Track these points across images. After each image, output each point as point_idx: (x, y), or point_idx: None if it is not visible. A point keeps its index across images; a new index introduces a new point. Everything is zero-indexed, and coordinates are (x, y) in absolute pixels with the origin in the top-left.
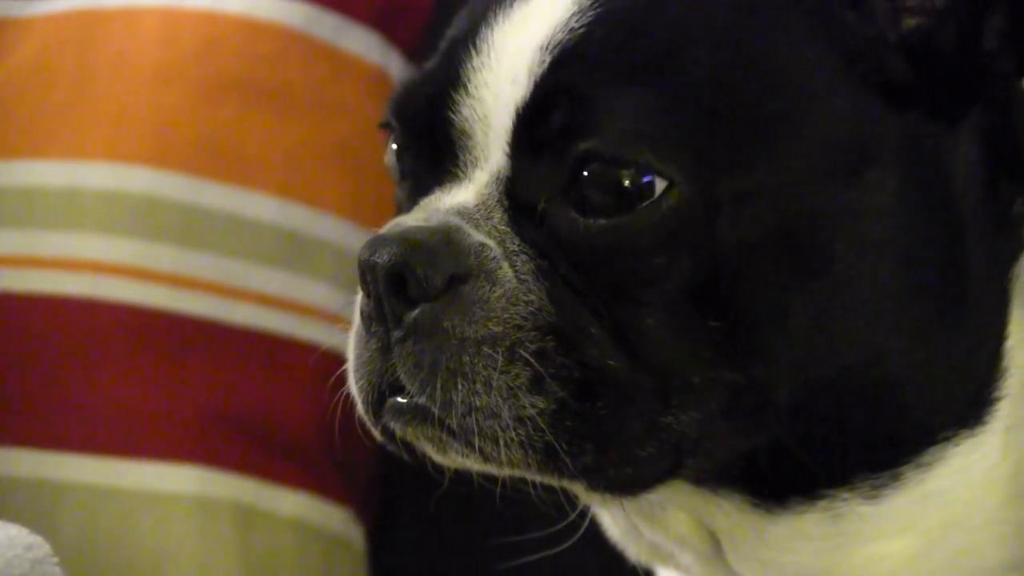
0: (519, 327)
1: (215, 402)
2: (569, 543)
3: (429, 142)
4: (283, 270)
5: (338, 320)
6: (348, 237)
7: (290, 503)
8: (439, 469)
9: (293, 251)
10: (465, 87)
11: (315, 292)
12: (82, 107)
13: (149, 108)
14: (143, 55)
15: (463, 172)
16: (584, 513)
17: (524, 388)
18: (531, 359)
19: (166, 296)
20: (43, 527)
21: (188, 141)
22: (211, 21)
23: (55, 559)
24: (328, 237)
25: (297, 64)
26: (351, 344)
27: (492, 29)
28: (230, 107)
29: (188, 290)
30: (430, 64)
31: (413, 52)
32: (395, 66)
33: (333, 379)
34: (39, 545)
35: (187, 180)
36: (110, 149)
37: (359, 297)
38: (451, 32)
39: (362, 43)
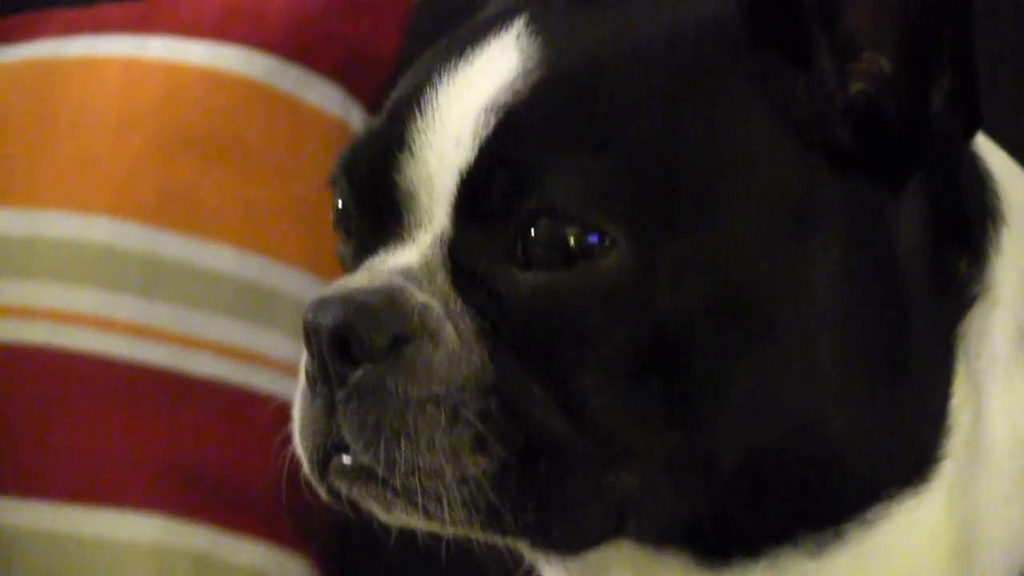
0: (461, 388)
1: (174, 451)
2: None
3: (374, 203)
4: (242, 321)
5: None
6: (308, 288)
7: (248, 553)
8: (386, 528)
9: (252, 302)
10: (410, 149)
11: (274, 343)
12: (42, 156)
13: (109, 158)
14: (104, 105)
15: (408, 233)
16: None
17: (467, 448)
18: (473, 419)
19: (125, 345)
20: None
21: (148, 191)
22: (172, 72)
23: None
24: (288, 288)
25: (258, 116)
26: (296, 404)
27: (437, 90)
28: (190, 158)
29: (148, 340)
30: (375, 124)
31: (374, 105)
32: (356, 119)
33: (283, 433)
34: None
35: (147, 230)
36: (70, 198)
37: (304, 356)
38: (396, 92)
39: (323, 96)
